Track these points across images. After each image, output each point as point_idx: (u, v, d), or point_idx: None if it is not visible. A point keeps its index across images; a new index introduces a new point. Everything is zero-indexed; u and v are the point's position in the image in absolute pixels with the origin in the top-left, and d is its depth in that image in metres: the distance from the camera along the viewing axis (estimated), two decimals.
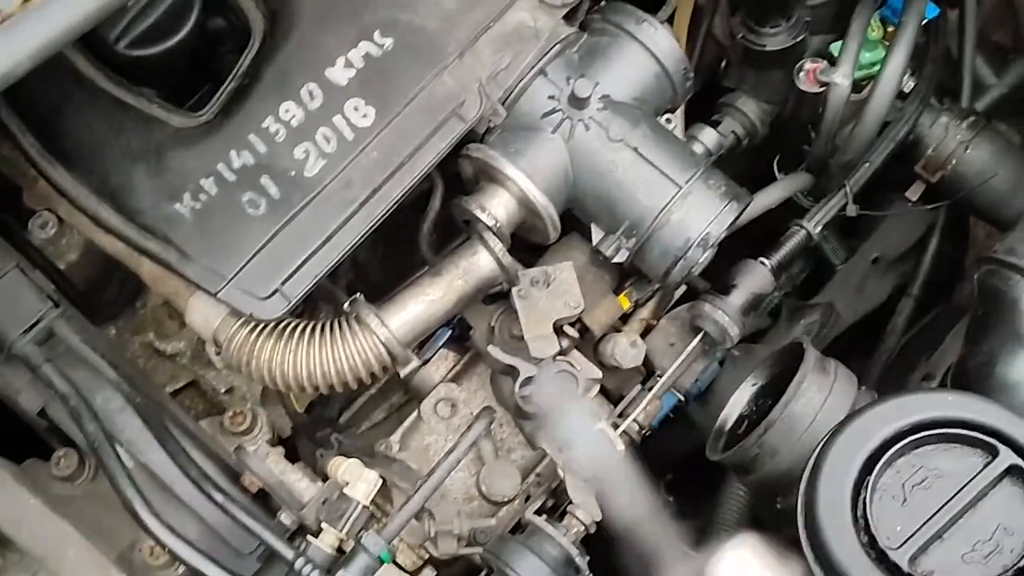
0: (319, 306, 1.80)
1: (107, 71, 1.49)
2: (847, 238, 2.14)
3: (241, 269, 1.49)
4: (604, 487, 0.75)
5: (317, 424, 1.80)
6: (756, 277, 1.78)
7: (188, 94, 1.67)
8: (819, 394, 1.51)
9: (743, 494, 1.90)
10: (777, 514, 1.57)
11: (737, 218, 1.63)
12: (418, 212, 1.84)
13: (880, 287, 2.10)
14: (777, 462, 1.52)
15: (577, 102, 1.59)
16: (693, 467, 2.23)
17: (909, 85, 1.93)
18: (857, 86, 1.84)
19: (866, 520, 1.23)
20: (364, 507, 1.52)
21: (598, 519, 1.63)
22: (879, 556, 1.23)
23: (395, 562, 1.70)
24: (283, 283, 1.49)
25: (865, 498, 1.24)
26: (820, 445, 1.30)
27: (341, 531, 1.49)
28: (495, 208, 1.60)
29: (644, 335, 1.85)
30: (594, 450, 0.72)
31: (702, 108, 1.95)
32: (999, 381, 1.58)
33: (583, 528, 1.62)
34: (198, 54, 1.58)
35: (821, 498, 1.25)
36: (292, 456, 1.81)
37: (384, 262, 1.94)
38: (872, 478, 1.24)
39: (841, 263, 2.13)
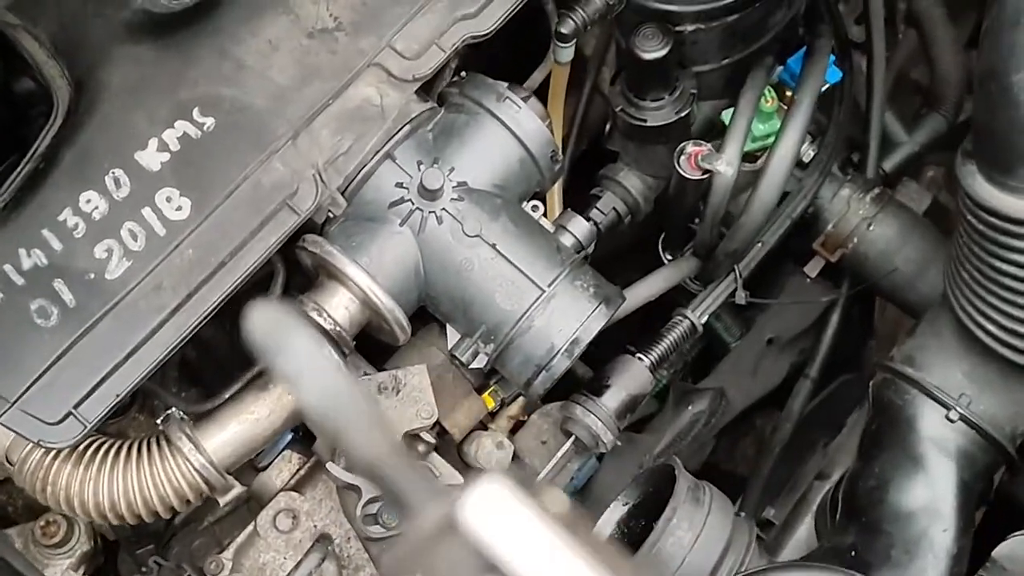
0: (140, 398, 1.60)
1: None
2: (742, 311, 1.98)
3: (27, 390, 1.28)
4: (339, 425, 0.60)
5: (141, 536, 1.60)
6: (633, 376, 1.61)
7: None
8: (690, 531, 1.35)
9: None
10: None
11: (609, 321, 1.45)
12: (266, 290, 1.66)
13: (775, 368, 1.94)
14: None
15: (428, 192, 1.40)
16: None
17: (809, 154, 1.76)
18: (751, 156, 1.68)
19: None
20: None
21: None
22: None
23: None
24: (77, 405, 1.29)
25: None
26: None
27: None
28: (334, 309, 1.41)
29: (513, 431, 1.67)
30: (325, 383, 0.58)
31: (591, 167, 1.78)
32: (891, 510, 1.43)
33: None
34: (1, 122, 1.38)
35: None
36: (114, 567, 1.63)
37: (235, 340, 1.74)
38: None
39: (735, 340, 1.97)
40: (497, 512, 0.56)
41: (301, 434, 1.61)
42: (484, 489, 0.57)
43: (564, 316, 1.43)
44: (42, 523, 1.55)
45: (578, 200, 1.71)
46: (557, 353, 1.43)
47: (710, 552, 1.35)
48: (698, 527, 1.35)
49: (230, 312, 1.37)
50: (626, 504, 1.51)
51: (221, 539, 1.70)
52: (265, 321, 0.64)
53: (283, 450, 1.63)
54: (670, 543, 1.34)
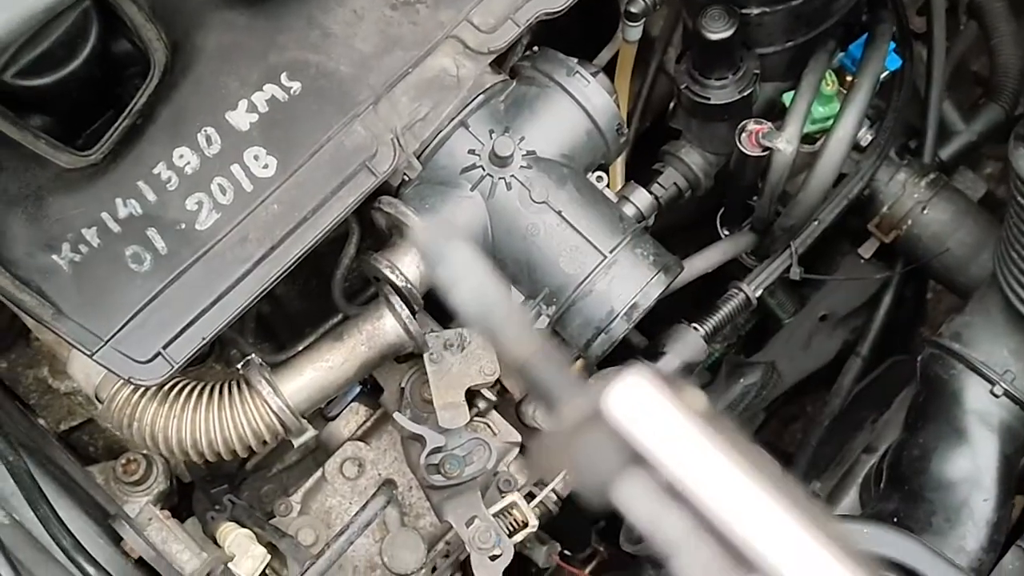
0: (217, 348, 1.69)
1: None
2: (796, 288, 2.03)
3: (120, 329, 1.37)
4: (492, 325, 0.66)
5: (215, 477, 1.69)
6: (688, 345, 1.68)
7: (86, 123, 1.55)
8: None
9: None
10: None
11: (667, 289, 1.52)
12: (341, 248, 1.74)
13: (828, 345, 1.99)
14: None
15: (499, 159, 1.47)
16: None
17: (867, 138, 1.81)
18: (810, 138, 1.73)
19: None
20: None
21: None
22: None
23: None
24: (166, 346, 1.37)
25: None
26: None
27: None
28: (406, 267, 1.49)
29: None
30: (479, 287, 0.64)
31: (654, 145, 1.84)
32: (934, 479, 1.49)
33: None
34: (98, 81, 1.46)
35: None
36: (189, 507, 1.72)
37: (304, 294, 1.82)
38: None
39: (788, 317, 2.02)
40: (641, 404, 0.59)
41: (369, 387, 1.69)
42: (629, 381, 0.61)
43: (624, 282, 1.49)
44: (123, 461, 1.63)
45: (640, 176, 1.77)
46: (616, 317, 1.50)
47: None
48: None
49: (303, 270, 1.46)
50: None
51: (287, 486, 1.79)
52: (428, 233, 0.69)
53: (351, 402, 1.71)
54: None
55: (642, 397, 0.60)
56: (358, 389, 1.69)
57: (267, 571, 1.54)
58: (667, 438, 0.59)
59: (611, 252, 1.49)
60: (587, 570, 2.10)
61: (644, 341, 1.82)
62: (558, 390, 0.63)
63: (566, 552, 2.01)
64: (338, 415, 1.71)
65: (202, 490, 1.67)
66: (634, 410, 0.59)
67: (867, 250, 1.94)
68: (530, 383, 0.64)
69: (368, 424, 1.72)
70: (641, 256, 1.51)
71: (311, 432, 1.47)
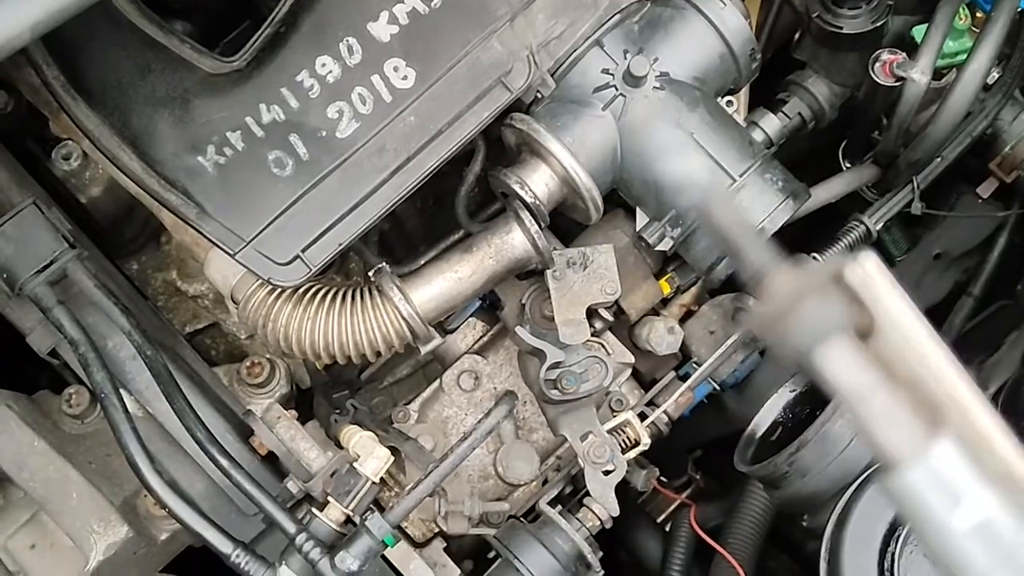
0: (337, 261, 1.72)
1: (139, 4, 1.42)
2: (910, 227, 2.03)
3: (262, 231, 1.41)
4: (710, 208, 0.69)
5: (336, 382, 1.74)
6: None
7: (225, 31, 1.59)
8: None
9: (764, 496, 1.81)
10: (803, 532, 1.50)
11: (794, 215, 1.52)
12: (461, 167, 1.77)
13: (939, 284, 1.99)
14: (806, 482, 1.44)
15: (633, 79, 1.48)
16: (724, 446, 2.17)
17: (993, 76, 1.79)
18: (937, 74, 1.72)
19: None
20: (373, 484, 1.46)
21: (615, 514, 1.57)
22: None
23: (405, 533, 1.66)
24: (305, 249, 1.42)
25: (894, 552, 1.16)
26: (852, 489, 1.22)
27: (348, 507, 1.43)
28: (535, 184, 1.51)
29: (683, 320, 1.76)
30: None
31: (772, 78, 1.84)
32: None
33: (599, 523, 1.56)
34: None
35: (847, 547, 1.18)
36: (308, 410, 1.77)
37: (423, 212, 1.86)
38: (903, 531, 1.16)
39: (901, 255, 2.02)
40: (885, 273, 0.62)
41: (487, 303, 1.72)
42: (871, 257, 0.64)
43: (752, 206, 1.50)
44: (247, 364, 1.68)
45: (762, 104, 1.77)
46: None
47: None
48: None
49: (422, 189, 1.48)
50: (793, 391, 1.59)
51: (397, 400, 1.84)
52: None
53: (470, 316, 1.74)
54: (839, 425, 1.41)
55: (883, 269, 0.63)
56: (477, 304, 1.72)
57: (384, 476, 1.59)
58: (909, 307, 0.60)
59: (741, 176, 1.49)
60: (684, 495, 2.14)
61: None
62: (769, 260, 0.65)
63: (662, 478, 2.04)
64: (456, 328, 1.74)
65: (323, 395, 1.72)
66: (884, 275, 0.61)
67: (986, 190, 1.93)
68: (746, 260, 0.66)
69: (485, 339, 1.75)
70: (770, 181, 1.51)
71: (438, 339, 1.51)
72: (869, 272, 0.62)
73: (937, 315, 2.00)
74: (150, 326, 1.61)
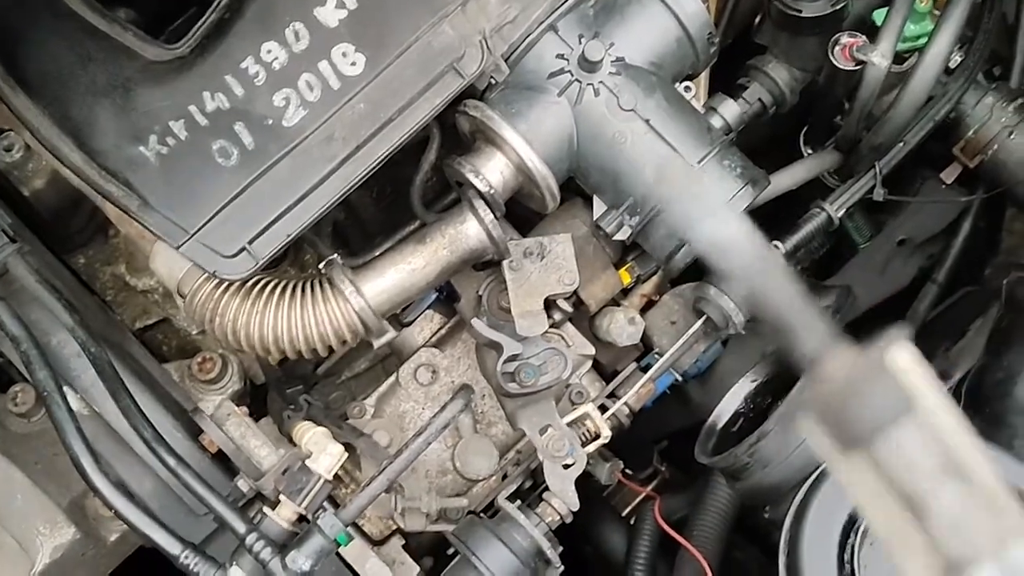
0: (291, 253, 1.69)
1: None
2: (873, 214, 2.00)
3: (206, 223, 1.37)
4: (753, 277, 0.66)
5: (290, 378, 1.70)
6: None
7: (171, 17, 1.54)
8: None
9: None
10: (765, 523, 1.48)
11: (753, 202, 1.50)
12: (417, 156, 1.73)
13: (904, 270, 1.96)
14: (767, 473, 1.42)
15: (588, 64, 1.45)
16: (689, 437, 2.15)
17: (955, 60, 1.77)
18: (899, 57, 1.69)
19: (852, 569, 1.13)
20: (326, 481, 1.43)
21: (575, 509, 1.54)
22: None
23: (362, 530, 1.62)
24: (251, 241, 1.38)
25: (853, 544, 1.13)
26: (811, 481, 1.19)
27: (300, 505, 1.40)
28: (490, 172, 1.47)
29: (644, 311, 1.73)
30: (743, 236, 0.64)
31: (732, 63, 1.81)
32: (1017, 403, 1.47)
33: (559, 518, 1.53)
34: None
35: (806, 539, 1.15)
36: (262, 406, 1.73)
37: (379, 201, 1.82)
38: (863, 523, 1.13)
39: (865, 241, 1.99)
40: (920, 361, 0.60)
41: (444, 295, 1.69)
42: (904, 342, 0.61)
43: (711, 192, 1.47)
44: (199, 359, 1.63)
45: (722, 90, 1.74)
46: None
47: None
48: None
49: (377, 177, 1.44)
50: (754, 381, 1.57)
51: (356, 394, 1.80)
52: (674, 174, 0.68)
53: (426, 309, 1.71)
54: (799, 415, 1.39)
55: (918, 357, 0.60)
56: (433, 296, 1.68)
57: (339, 472, 1.55)
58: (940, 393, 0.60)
59: (699, 163, 1.47)
60: (649, 488, 2.11)
61: None
62: (817, 342, 0.63)
63: (627, 470, 2.02)
64: (413, 321, 1.71)
65: (277, 390, 1.68)
66: (918, 364, 0.59)
67: (949, 175, 1.90)
68: (792, 336, 0.64)
69: (442, 331, 1.72)
70: (729, 168, 1.48)
71: (391, 333, 1.47)
72: (906, 363, 0.60)
73: (902, 301, 1.97)
74: (96, 322, 1.57)
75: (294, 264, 1.77)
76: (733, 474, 1.46)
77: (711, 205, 0.67)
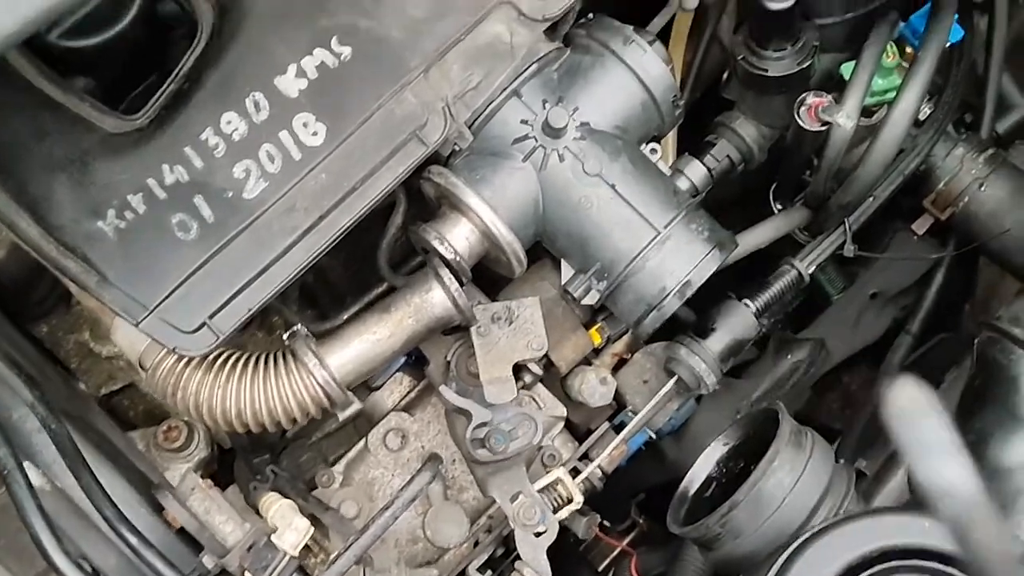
0: (259, 317, 1.66)
1: (37, 62, 1.36)
2: (845, 265, 2.00)
3: (165, 299, 1.35)
4: (964, 515, 0.65)
5: (257, 446, 1.67)
6: (739, 321, 1.65)
7: (131, 86, 1.52)
8: (791, 474, 1.38)
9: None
10: None
11: (721, 265, 1.48)
12: (384, 221, 1.71)
13: (877, 322, 1.96)
14: (739, 543, 1.39)
15: (552, 130, 1.44)
16: (666, 490, 2.12)
17: (925, 112, 1.76)
18: (867, 111, 1.68)
19: None
20: (292, 558, 1.40)
21: None
22: None
23: None
24: (212, 316, 1.35)
25: None
26: (780, 563, 1.17)
27: None
28: (455, 239, 1.46)
29: (616, 369, 1.72)
30: (959, 474, 0.63)
31: (701, 116, 1.80)
32: (991, 464, 1.45)
33: None
34: (143, 44, 1.43)
35: None
36: (229, 472, 1.71)
37: (347, 264, 1.80)
38: None
39: (838, 293, 1.99)
40: None
41: (413, 359, 1.67)
42: None
43: (678, 258, 1.46)
44: (164, 428, 1.61)
45: (690, 148, 1.73)
46: (669, 294, 1.46)
47: (810, 495, 1.37)
48: (799, 470, 1.38)
49: (346, 240, 1.42)
50: (726, 444, 1.55)
51: (327, 455, 1.78)
52: (904, 396, 0.67)
53: (395, 372, 1.69)
54: (771, 484, 1.37)
55: None
56: (403, 360, 1.66)
57: (309, 543, 1.53)
58: None
59: (665, 227, 1.45)
60: (625, 541, 2.08)
61: (691, 315, 1.79)
62: None
63: (605, 523, 1.99)
64: (382, 385, 1.69)
65: (243, 459, 1.65)
66: None
67: (920, 227, 1.90)
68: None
69: (412, 395, 1.70)
70: (695, 232, 1.47)
71: (356, 405, 1.45)
72: None
73: (875, 352, 1.96)
74: (58, 395, 1.55)
75: (261, 327, 1.75)
76: (705, 544, 1.44)
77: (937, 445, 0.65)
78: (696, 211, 1.50)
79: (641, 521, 2.21)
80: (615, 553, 2.10)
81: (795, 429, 1.44)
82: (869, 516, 1.19)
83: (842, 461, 1.47)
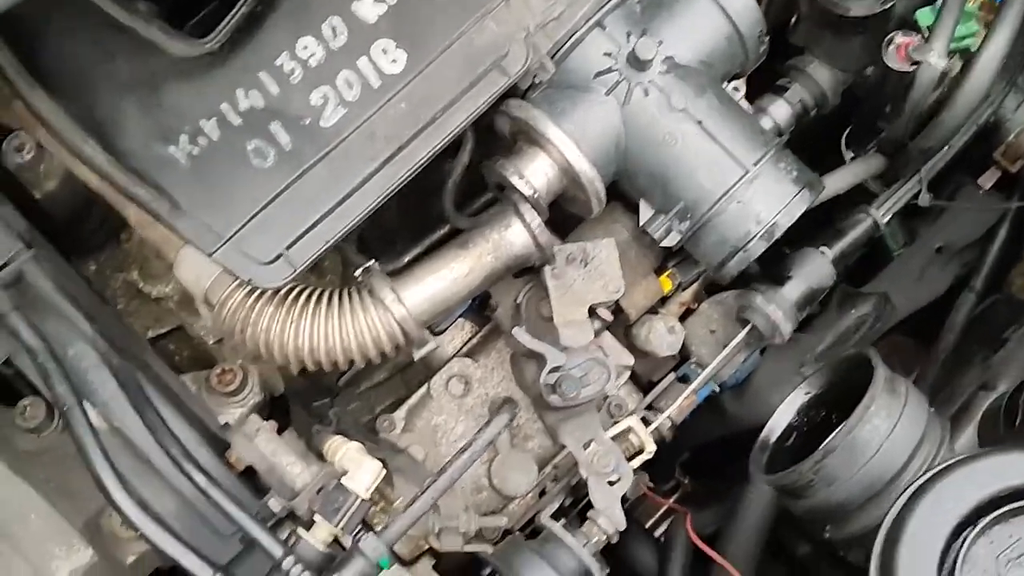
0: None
1: None
2: (907, 221, 1.95)
3: (241, 228, 1.30)
4: None
5: (314, 389, 1.62)
6: (815, 269, 1.60)
7: (194, 11, 1.46)
8: (887, 420, 1.33)
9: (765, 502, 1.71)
10: (824, 543, 1.42)
11: (808, 207, 1.44)
12: (445, 159, 1.66)
13: (941, 277, 1.91)
14: (832, 491, 1.35)
15: (638, 63, 1.39)
16: (712, 449, 2.08)
17: None
18: None
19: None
20: (363, 500, 1.35)
21: (622, 528, 1.48)
22: None
23: (393, 552, 1.54)
24: (288, 247, 1.30)
25: (953, 570, 1.07)
26: (904, 501, 1.13)
27: (337, 525, 1.31)
28: (533, 175, 1.41)
29: (682, 319, 1.67)
30: None
31: (763, 65, 1.75)
32: None
33: (604, 537, 1.46)
34: None
35: (902, 565, 1.08)
36: (281, 420, 1.65)
37: (401, 209, 1.73)
38: (962, 548, 1.07)
39: (899, 248, 1.94)
40: None
41: (477, 303, 1.61)
42: None
43: (766, 198, 1.41)
44: (218, 371, 1.55)
45: (757, 94, 1.68)
46: (754, 236, 1.42)
47: (906, 442, 1.33)
48: (895, 417, 1.34)
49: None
50: (808, 393, 1.51)
51: (374, 405, 1.73)
52: None
53: (458, 317, 1.64)
54: (867, 430, 1.33)
55: None
56: (466, 305, 1.61)
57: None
58: None
59: (754, 165, 1.41)
60: (672, 500, 2.05)
61: (755, 268, 1.73)
62: None
63: (650, 484, 1.95)
64: (445, 330, 1.63)
65: (302, 404, 1.60)
66: None
67: (988, 180, 1.86)
68: None
69: (474, 341, 1.65)
70: (784, 171, 1.43)
71: (432, 344, 1.40)
72: None
73: (937, 310, 1.92)
74: (114, 332, 1.49)
75: (313, 270, 1.69)
76: (794, 492, 1.39)
77: None
78: (783, 151, 1.45)
79: (685, 481, 2.18)
80: (662, 511, 2.07)
81: (889, 376, 1.39)
82: (999, 454, 1.14)
83: (933, 409, 1.42)
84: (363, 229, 1.71)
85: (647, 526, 2.05)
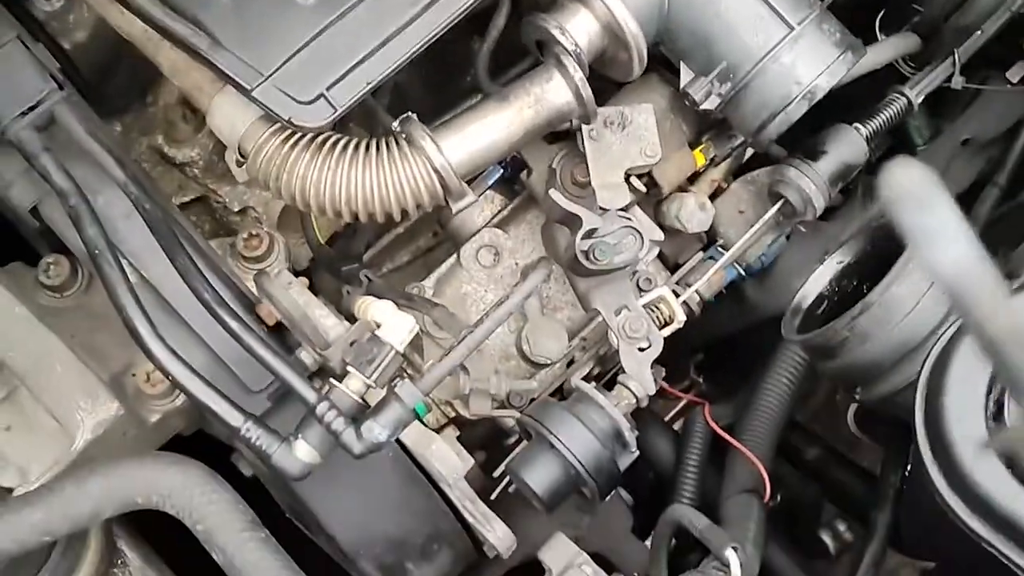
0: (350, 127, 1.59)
1: None
2: (933, 120, 1.94)
3: (283, 65, 1.27)
4: (966, 292, 0.61)
5: (340, 258, 1.60)
6: (849, 144, 1.58)
7: None
8: (925, 280, 1.32)
9: (789, 378, 1.70)
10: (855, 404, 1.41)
11: (849, 71, 1.42)
12: (469, 31, 1.63)
13: (966, 171, 1.90)
14: (866, 349, 1.34)
15: None
16: (726, 349, 2.08)
17: None
18: None
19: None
20: (398, 353, 1.32)
21: (651, 392, 1.47)
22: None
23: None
24: (329, 88, 1.27)
25: (1000, 410, 1.06)
26: (943, 347, 1.12)
27: (370, 377, 1.29)
28: (576, 30, 1.38)
29: (712, 199, 1.65)
30: (956, 250, 0.59)
31: None
32: None
33: (635, 401, 1.45)
34: None
35: (949, 406, 1.07)
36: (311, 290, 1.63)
37: (425, 84, 1.72)
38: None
39: (924, 143, 1.93)
40: None
41: (508, 172, 1.60)
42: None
43: (809, 59, 1.40)
44: (244, 236, 1.53)
45: None
46: (795, 98, 1.40)
47: (942, 300, 1.32)
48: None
49: (425, 57, 1.34)
50: (840, 263, 1.50)
51: (398, 287, 1.71)
52: (907, 178, 0.61)
53: (489, 187, 1.62)
54: (904, 288, 1.32)
55: None
56: (498, 174, 1.59)
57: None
58: None
59: (799, 24, 1.39)
60: (690, 395, 2.04)
61: (783, 152, 1.72)
62: None
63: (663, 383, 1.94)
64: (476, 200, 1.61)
65: (330, 270, 1.58)
66: None
67: (1016, 73, 1.84)
68: (1002, 359, 0.61)
69: (505, 213, 1.63)
70: (827, 32, 1.41)
71: (471, 197, 1.37)
72: None
73: (961, 205, 1.91)
74: (144, 182, 1.46)
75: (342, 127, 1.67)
76: (827, 352, 1.38)
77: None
78: (827, 13, 1.43)
79: (700, 380, 2.18)
80: (680, 406, 2.07)
81: None
82: None
83: None
84: (389, 106, 1.71)
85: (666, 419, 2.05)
